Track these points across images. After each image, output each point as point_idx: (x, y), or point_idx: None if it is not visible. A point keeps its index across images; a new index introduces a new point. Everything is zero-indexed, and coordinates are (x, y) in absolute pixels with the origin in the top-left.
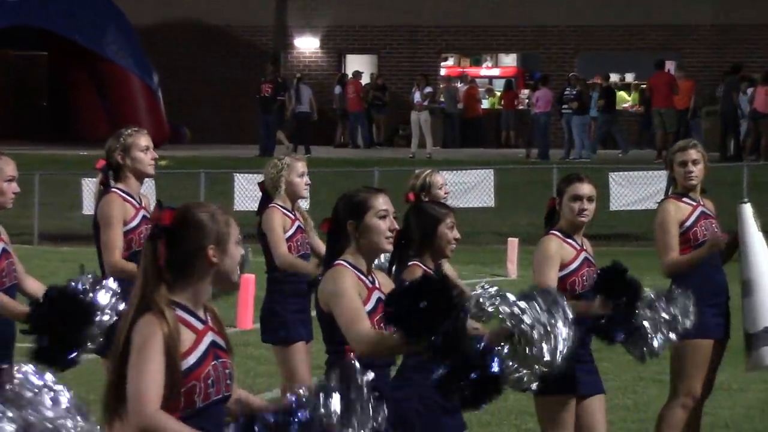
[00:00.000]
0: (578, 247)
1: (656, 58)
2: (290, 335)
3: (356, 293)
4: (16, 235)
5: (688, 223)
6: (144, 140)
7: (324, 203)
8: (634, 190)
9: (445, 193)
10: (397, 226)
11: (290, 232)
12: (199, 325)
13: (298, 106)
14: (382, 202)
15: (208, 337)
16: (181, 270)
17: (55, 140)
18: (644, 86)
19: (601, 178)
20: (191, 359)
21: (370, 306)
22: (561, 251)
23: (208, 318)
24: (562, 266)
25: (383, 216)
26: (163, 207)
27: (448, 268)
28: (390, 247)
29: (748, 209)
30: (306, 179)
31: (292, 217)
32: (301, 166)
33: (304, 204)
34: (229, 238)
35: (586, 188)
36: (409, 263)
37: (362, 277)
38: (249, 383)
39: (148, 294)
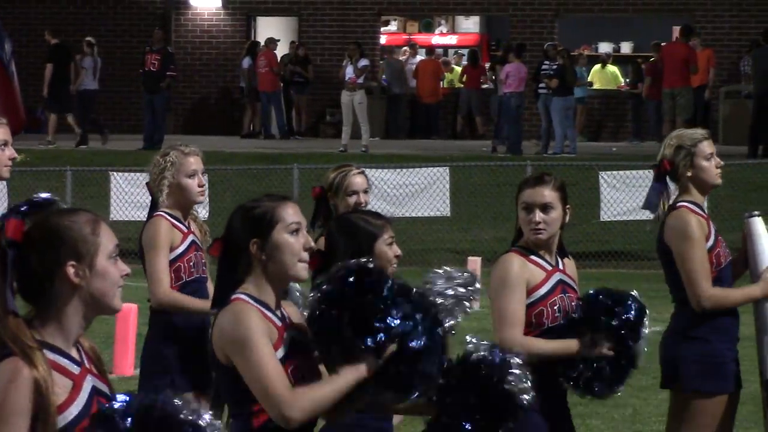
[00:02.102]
0: (549, 267)
1: (663, 22)
2: (175, 384)
3: (266, 338)
4: None
5: (710, 242)
6: (0, 133)
7: (227, 212)
8: (632, 194)
9: (358, 203)
10: (313, 244)
11: (180, 250)
12: (75, 369)
13: (84, 82)
14: (291, 213)
15: (88, 383)
16: (38, 297)
17: None
18: (646, 59)
19: (590, 178)
20: (70, 413)
21: (281, 352)
22: (524, 273)
23: (84, 358)
24: (527, 293)
25: (295, 230)
26: (7, 216)
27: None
28: (305, 274)
29: (759, 224)
30: (200, 179)
31: (184, 229)
32: (192, 163)
33: (200, 212)
34: (96, 250)
35: (539, 194)
36: None
37: (268, 314)
38: None
39: (4, 332)
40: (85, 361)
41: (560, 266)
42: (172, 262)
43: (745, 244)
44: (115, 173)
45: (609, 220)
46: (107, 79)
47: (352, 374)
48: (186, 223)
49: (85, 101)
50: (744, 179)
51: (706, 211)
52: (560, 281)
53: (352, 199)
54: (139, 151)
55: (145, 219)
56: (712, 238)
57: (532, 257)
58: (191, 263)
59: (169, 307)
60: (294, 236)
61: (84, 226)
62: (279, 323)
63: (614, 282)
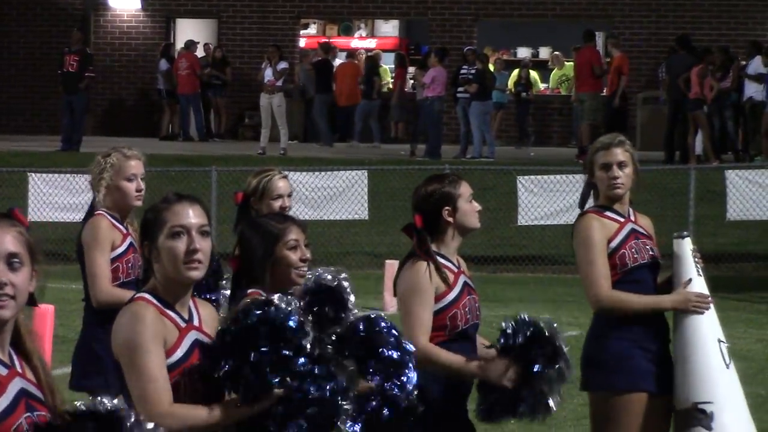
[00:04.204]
0: (456, 270)
1: (583, 28)
2: (109, 385)
3: (156, 342)
4: None
5: (614, 244)
6: None
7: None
8: (550, 199)
9: (282, 207)
10: (197, 246)
11: (120, 250)
12: (3, 370)
13: None
14: (181, 216)
15: (15, 384)
16: None
17: None
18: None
19: (508, 183)
20: None
21: (180, 352)
22: (434, 279)
23: (17, 360)
24: (439, 296)
25: (177, 234)
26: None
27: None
28: (194, 274)
29: (686, 245)
30: (139, 183)
31: (124, 230)
32: (132, 166)
33: None
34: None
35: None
36: (248, 291)
37: (169, 312)
38: None
39: None
40: (17, 364)
41: (461, 268)
42: (111, 261)
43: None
44: (33, 174)
45: (526, 224)
46: (25, 79)
47: (235, 413)
48: (125, 225)
49: None
50: (661, 184)
51: (622, 214)
52: (465, 283)
53: (277, 203)
54: (57, 152)
55: (61, 221)
56: (618, 239)
57: (441, 260)
58: (129, 264)
59: (111, 304)
60: (176, 239)
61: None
62: (182, 323)
63: (531, 286)
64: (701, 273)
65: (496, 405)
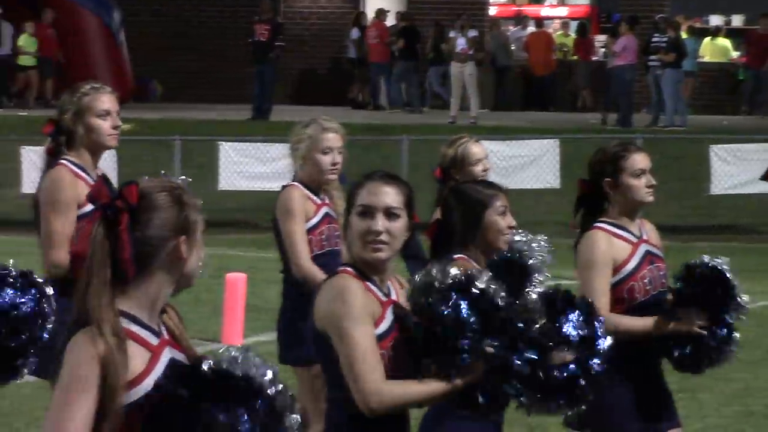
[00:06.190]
0: (634, 240)
1: None
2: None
3: (366, 315)
4: None
5: (627, 269)
6: (105, 102)
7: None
8: (743, 167)
9: (484, 170)
10: (379, 227)
11: (313, 222)
12: (154, 340)
13: None
14: (370, 195)
15: (166, 355)
16: (139, 267)
17: None
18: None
19: (700, 151)
20: (147, 384)
21: (384, 325)
22: (612, 250)
23: (162, 328)
24: (616, 269)
25: (363, 213)
26: (109, 182)
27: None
28: (378, 255)
29: None
30: (334, 157)
31: (318, 201)
32: (328, 139)
33: None
34: (198, 227)
35: (647, 159)
36: (455, 257)
37: (371, 286)
38: None
39: (90, 301)
40: (164, 332)
41: (644, 236)
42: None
43: None
44: (224, 143)
45: (719, 193)
46: (214, 48)
47: (448, 387)
48: (321, 196)
49: None
50: None
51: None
52: (647, 252)
53: (478, 168)
54: (247, 120)
55: (252, 189)
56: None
57: (618, 231)
58: (323, 236)
59: (309, 277)
60: (361, 219)
61: (190, 200)
62: (383, 296)
63: (724, 256)
64: None
65: (693, 355)
